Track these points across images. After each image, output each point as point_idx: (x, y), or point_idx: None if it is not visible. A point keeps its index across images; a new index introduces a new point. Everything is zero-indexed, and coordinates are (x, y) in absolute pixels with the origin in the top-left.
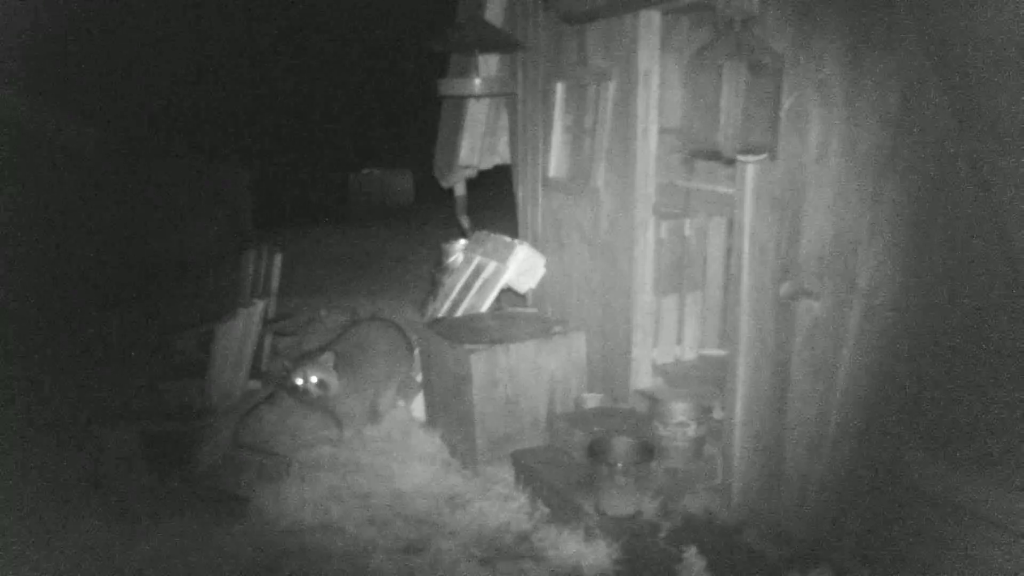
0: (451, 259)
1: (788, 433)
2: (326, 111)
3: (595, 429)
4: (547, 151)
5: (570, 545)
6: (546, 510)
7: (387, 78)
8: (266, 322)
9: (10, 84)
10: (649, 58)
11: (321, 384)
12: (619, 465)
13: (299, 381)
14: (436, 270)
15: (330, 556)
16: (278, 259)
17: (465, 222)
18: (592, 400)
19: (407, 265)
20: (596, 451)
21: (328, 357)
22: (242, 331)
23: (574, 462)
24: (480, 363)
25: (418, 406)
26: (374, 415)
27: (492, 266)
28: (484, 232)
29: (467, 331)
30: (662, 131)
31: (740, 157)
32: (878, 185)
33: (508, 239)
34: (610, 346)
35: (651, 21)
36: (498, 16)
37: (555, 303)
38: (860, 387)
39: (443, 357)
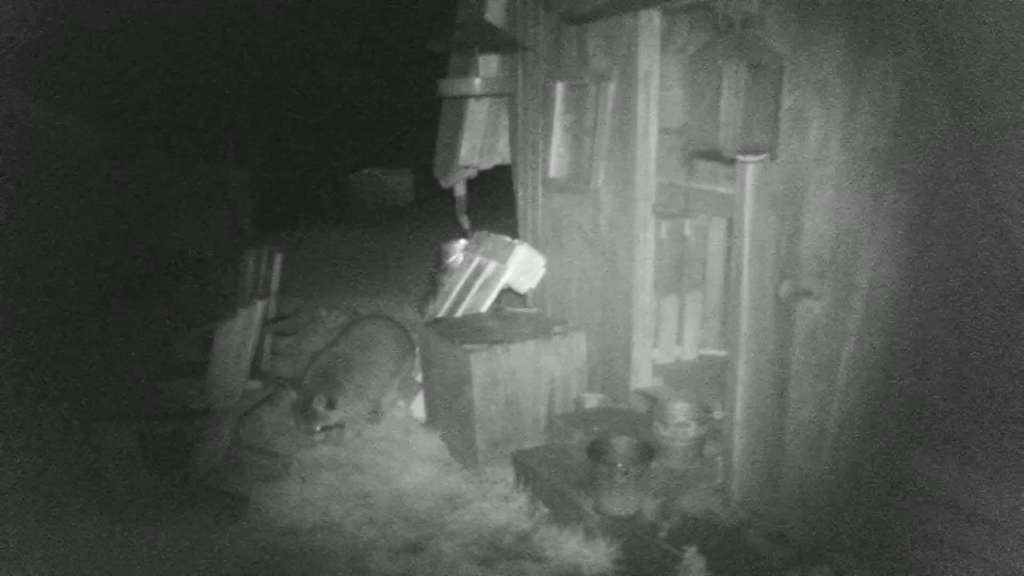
0: (451, 259)
1: (788, 433)
2: (326, 111)
3: (595, 429)
4: (547, 151)
5: (570, 545)
6: (546, 510)
7: (387, 78)
8: (266, 322)
9: (15, 85)
10: (649, 58)
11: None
12: (619, 465)
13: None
14: (436, 270)
15: (330, 556)
16: (278, 259)
17: (465, 222)
18: (592, 400)
19: (407, 265)
20: (596, 451)
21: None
22: (242, 331)
23: (574, 462)
24: (480, 363)
25: (418, 406)
26: (374, 415)
27: (492, 266)
28: (484, 232)
29: (467, 331)
30: (662, 131)
31: (740, 157)
32: (878, 185)
33: (508, 239)
34: (610, 346)
35: (651, 21)
36: (498, 16)
37: (555, 303)
38: (860, 387)
39: (443, 357)
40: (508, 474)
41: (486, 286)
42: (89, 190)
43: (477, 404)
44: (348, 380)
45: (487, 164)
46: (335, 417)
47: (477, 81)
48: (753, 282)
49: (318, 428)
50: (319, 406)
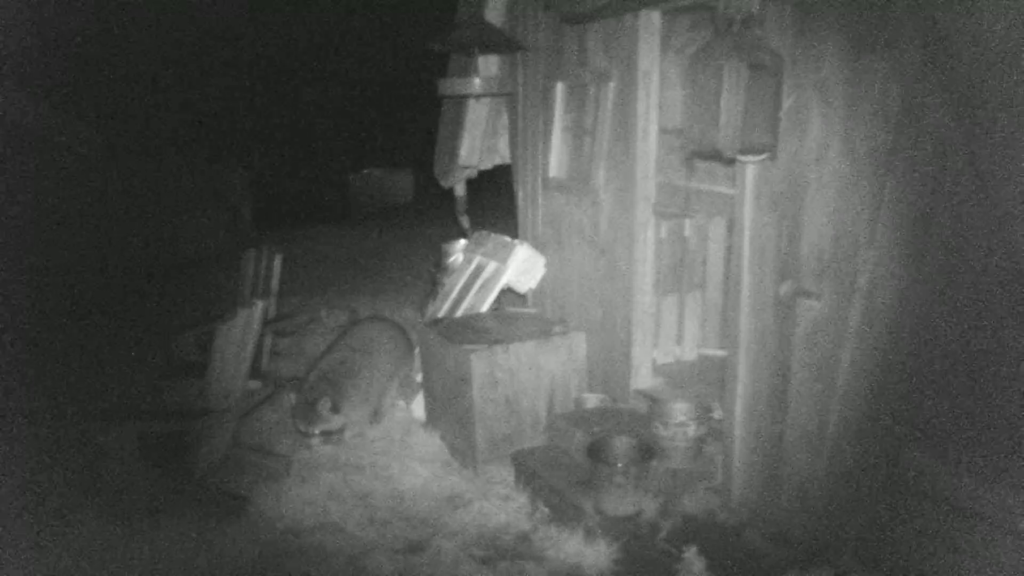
0: (451, 259)
1: (788, 433)
2: (326, 111)
3: (595, 429)
4: (547, 151)
5: (570, 545)
6: (546, 510)
7: (387, 78)
8: (266, 322)
9: (17, 86)
10: (649, 58)
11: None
12: (619, 465)
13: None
14: (436, 270)
15: (330, 556)
16: (278, 259)
17: (465, 222)
18: (592, 400)
19: (407, 265)
20: (596, 451)
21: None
22: (242, 331)
23: (574, 462)
24: (480, 363)
25: (418, 406)
26: (375, 415)
27: (492, 266)
28: (484, 232)
29: (467, 331)
30: (662, 131)
31: (740, 157)
32: (878, 185)
33: (508, 239)
34: (610, 346)
35: (651, 21)
36: (498, 16)
37: (555, 303)
38: (860, 387)
39: (443, 357)
40: (508, 474)
41: (486, 286)
42: (89, 190)
43: (477, 404)
44: (351, 384)
45: (487, 164)
46: (337, 422)
47: (477, 81)
48: (753, 282)
49: (316, 431)
50: (323, 408)
